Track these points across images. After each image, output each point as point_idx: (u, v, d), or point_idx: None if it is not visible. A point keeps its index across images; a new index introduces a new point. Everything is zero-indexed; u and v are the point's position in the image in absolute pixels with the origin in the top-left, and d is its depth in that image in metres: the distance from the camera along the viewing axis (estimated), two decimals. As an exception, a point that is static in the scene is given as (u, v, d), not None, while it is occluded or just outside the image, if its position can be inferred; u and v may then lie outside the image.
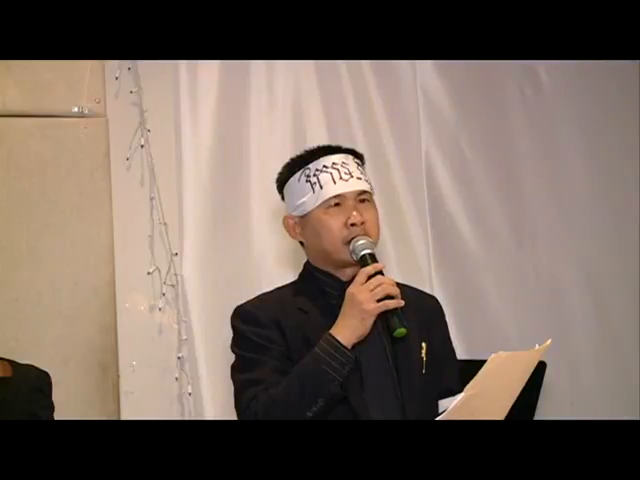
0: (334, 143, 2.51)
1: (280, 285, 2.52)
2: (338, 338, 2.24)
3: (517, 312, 3.88)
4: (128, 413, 3.45)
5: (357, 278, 2.27)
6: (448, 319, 2.57)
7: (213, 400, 3.52)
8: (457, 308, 3.71)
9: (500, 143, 3.96)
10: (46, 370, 2.85)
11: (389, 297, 2.23)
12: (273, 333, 2.34)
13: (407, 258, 3.81)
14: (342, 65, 3.78)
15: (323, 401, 2.22)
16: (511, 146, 3.96)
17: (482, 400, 2.07)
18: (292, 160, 2.48)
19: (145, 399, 3.47)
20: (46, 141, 3.53)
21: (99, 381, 3.50)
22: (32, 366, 2.85)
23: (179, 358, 3.51)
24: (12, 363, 2.82)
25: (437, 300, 2.60)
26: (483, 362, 2.07)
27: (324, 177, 2.39)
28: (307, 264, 2.49)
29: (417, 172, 3.86)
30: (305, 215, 2.42)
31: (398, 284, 2.33)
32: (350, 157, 2.46)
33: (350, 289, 2.27)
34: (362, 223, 2.36)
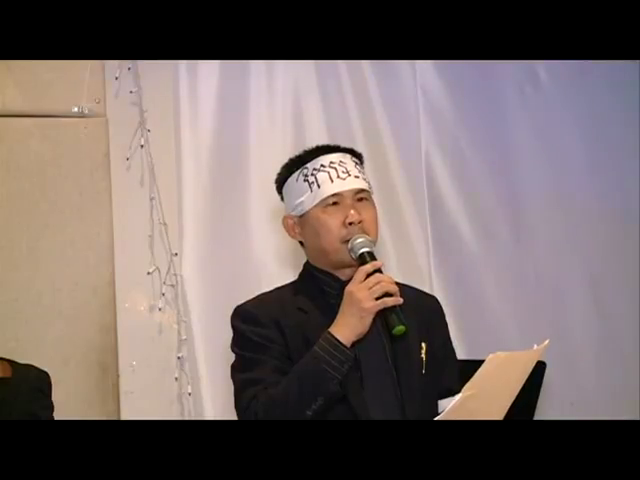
0: (334, 143, 2.51)
1: (280, 285, 2.52)
2: (337, 336, 2.24)
3: (517, 312, 3.88)
4: (128, 413, 3.45)
5: (356, 276, 2.27)
6: (448, 319, 2.56)
7: (213, 400, 3.52)
8: (457, 308, 3.71)
9: (500, 143, 3.96)
10: (46, 370, 2.86)
11: (388, 295, 2.23)
12: (273, 333, 2.34)
13: (407, 258, 3.81)
14: (342, 65, 3.78)
15: (322, 400, 2.22)
16: (511, 145, 3.96)
17: (480, 400, 2.07)
18: (290, 160, 2.48)
19: (145, 399, 3.47)
20: (46, 141, 3.53)
21: (99, 381, 3.50)
22: (32, 366, 2.85)
23: (179, 358, 3.52)
24: (12, 363, 2.82)
25: (437, 300, 2.60)
26: (483, 362, 2.07)
27: (322, 176, 2.39)
28: (307, 264, 2.49)
29: (417, 172, 3.87)
30: (304, 215, 2.42)
31: (398, 284, 2.32)
32: (348, 156, 2.46)
33: (349, 287, 2.27)
34: (360, 222, 2.36)
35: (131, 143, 3.54)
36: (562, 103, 3.99)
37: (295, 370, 2.26)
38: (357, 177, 2.41)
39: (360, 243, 2.33)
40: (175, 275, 3.54)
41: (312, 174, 2.40)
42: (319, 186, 2.39)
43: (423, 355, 2.37)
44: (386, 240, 3.71)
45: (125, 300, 3.52)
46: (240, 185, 3.68)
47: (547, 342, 2.17)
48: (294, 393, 2.22)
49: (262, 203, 3.61)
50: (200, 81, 3.68)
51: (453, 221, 3.90)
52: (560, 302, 3.92)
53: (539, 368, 3.07)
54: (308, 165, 2.42)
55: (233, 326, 2.41)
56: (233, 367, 2.39)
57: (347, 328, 2.25)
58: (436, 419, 2.07)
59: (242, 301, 2.45)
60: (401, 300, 2.24)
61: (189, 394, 3.50)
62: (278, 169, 2.51)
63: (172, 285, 3.54)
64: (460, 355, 2.61)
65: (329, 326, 2.28)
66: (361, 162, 2.50)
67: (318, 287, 2.43)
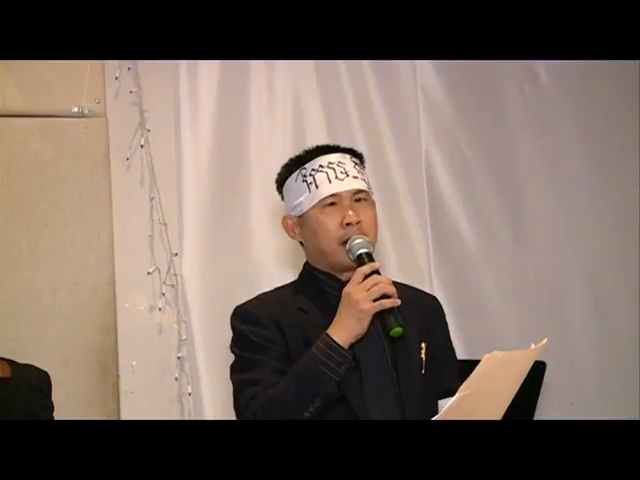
0: (334, 143, 2.51)
1: (280, 285, 2.52)
2: (335, 338, 2.23)
3: (517, 312, 3.88)
4: (128, 413, 3.45)
5: (353, 277, 2.27)
6: (448, 319, 2.56)
7: (213, 400, 3.52)
8: (457, 308, 3.71)
9: (500, 143, 3.96)
10: (46, 370, 2.86)
11: (386, 296, 2.23)
12: (273, 333, 2.33)
13: (407, 258, 3.81)
14: (342, 65, 3.78)
15: (320, 401, 2.22)
16: (511, 146, 3.97)
17: (477, 400, 2.06)
18: (290, 160, 2.48)
19: (145, 399, 3.47)
20: (46, 141, 3.53)
21: (99, 381, 3.50)
22: (32, 366, 2.85)
23: (179, 358, 3.52)
24: (12, 363, 2.82)
25: (437, 300, 2.59)
26: (481, 362, 2.07)
27: (320, 177, 2.39)
28: (307, 264, 2.49)
29: (417, 172, 3.87)
30: (302, 215, 2.42)
31: (398, 284, 2.33)
32: (347, 156, 2.45)
33: (346, 289, 2.26)
34: (358, 222, 2.35)
35: (131, 143, 3.54)
36: (562, 103, 3.98)
37: (293, 371, 2.26)
38: (356, 177, 2.41)
39: (358, 244, 2.33)
40: (175, 275, 3.54)
41: (311, 174, 2.40)
42: (317, 187, 2.38)
43: (423, 355, 2.37)
44: (386, 240, 3.71)
45: (125, 300, 3.52)
46: (240, 185, 3.68)
47: (545, 341, 2.16)
48: (292, 394, 2.22)
49: (262, 203, 3.61)
50: (200, 81, 3.68)
51: (453, 221, 3.90)
52: (560, 302, 3.92)
53: (539, 368, 3.07)
54: (307, 165, 2.42)
55: (233, 326, 2.41)
56: (232, 367, 2.38)
57: (345, 330, 2.24)
58: (432, 419, 2.07)
59: (242, 301, 2.44)
60: (399, 302, 2.24)
61: (189, 394, 3.50)
62: (278, 169, 2.51)
63: (172, 285, 3.54)
64: (460, 355, 2.61)
65: (329, 326, 2.28)
66: (361, 162, 2.49)
67: (318, 287, 2.43)
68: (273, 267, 3.63)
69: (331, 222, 2.37)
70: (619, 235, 3.96)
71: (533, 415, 3.05)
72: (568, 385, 3.82)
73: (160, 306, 3.52)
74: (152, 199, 3.53)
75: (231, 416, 2.38)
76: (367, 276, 2.25)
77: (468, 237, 3.90)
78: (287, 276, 2.81)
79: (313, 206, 2.39)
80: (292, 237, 2.49)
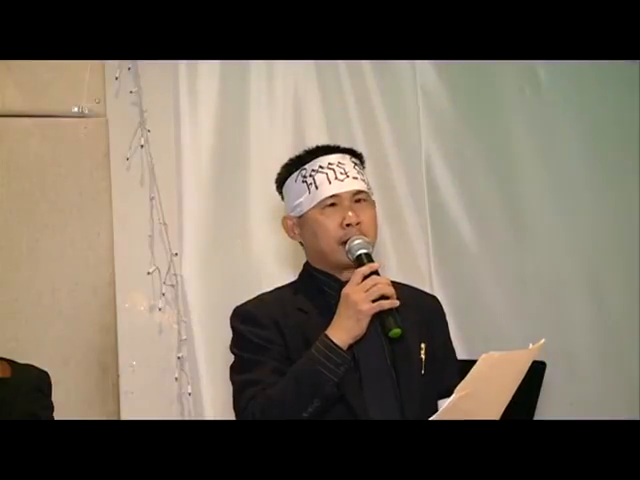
0: (334, 143, 2.51)
1: (280, 285, 2.52)
2: (333, 339, 2.23)
3: (517, 312, 3.88)
4: (128, 413, 3.45)
5: (352, 278, 2.27)
6: (448, 319, 2.56)
7: (213, 400, 3.52)
8: (457, 308, 3.71)
9: (500, 143, 3.96)
10: (46, 370, 2.86)
11: (384, 297, 2.23)
12: (272, 333, 2.33)
13: (407, 258, 3.81)
14: (342, 65, 3.78)
15: (319, 402, 2.22)
16: (511, 146, 3.96)
17: (475, 401, 2.06)
18: (290, 160, 2.48)
19: (145, 399, 3.47)
20: (46, 141, 3.53)
21: (99, 381, 3.50)
22: (32, 366, 2.85)
23: (179, 358, 3.52)
24: (12, 363, 2.82)
25: (437, 300, 2.59)
26: (481, 362, 2.07)
27: (320, 177, 2.39)
28: (307, 264, 2.49)
29: (417, 172, 3.86)
30: (302, 216, 2.42)
31: (397, 284, 2.32)
32: (347, 157, 2.45)
33: (345, 289, 2.26)
34: (358, 223, 2.35)
35: (131, 143, 3.54)
36: (562, 103, 3.98)
37: (292, 371, 2.26)
38: (355, 178, 2.41)
39: (357, 245, 2.33)
40: (175, 275, 3.54)
41: (310, 175, 2.40)
42: (317, 187, 2.38)
43: (422, 355, 2.37)
44: (386, 240, 3.71)
45: (125, 300, 3.52)
46: (240, 185, 3.67)
47: (542, 341, 2.16)
48: (291, 394, 2.22)
49: (262, 203, 3.61)
50: (200, 81, 3.68)
51: (453, 221, 3.89)
52: (560, 301, 3.92)
53: (539, 368, 3.08)
54: (307, 166, 2.42)
55: (232, 327, 2.41)
56: (232, 368, 2.38)
57: (343, 331, 2.24)
58: (429, 419, 2.06)
59: (242, 301, 2.45)
60: (397, 303, 2.24)
61: (189, 394, 3.50)
62: (278, 169, 2.51)
63: (172, 285, 3.53)
64: (460, 355, 2.61)
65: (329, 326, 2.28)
66: (361, 162, 2.49)
67: (318, 287, 2.43)
68: (273, 267, 3.63)
69: (331, 223, 2.36)
70: (619, 235, 3.96)
71: (533, 415, 3.05)
72: (568, 385, 3.82)
73: (160, 306, 3.53)
74: (152, 199, 3.53)
75: (231, 416, 2.38)
76: (366, 277, 2.25)
77: (468, 237, 3.89)
78: (287, 276, 2.81)
79: (313, 207, 2.39)
80: (292, 237, 2.49)
